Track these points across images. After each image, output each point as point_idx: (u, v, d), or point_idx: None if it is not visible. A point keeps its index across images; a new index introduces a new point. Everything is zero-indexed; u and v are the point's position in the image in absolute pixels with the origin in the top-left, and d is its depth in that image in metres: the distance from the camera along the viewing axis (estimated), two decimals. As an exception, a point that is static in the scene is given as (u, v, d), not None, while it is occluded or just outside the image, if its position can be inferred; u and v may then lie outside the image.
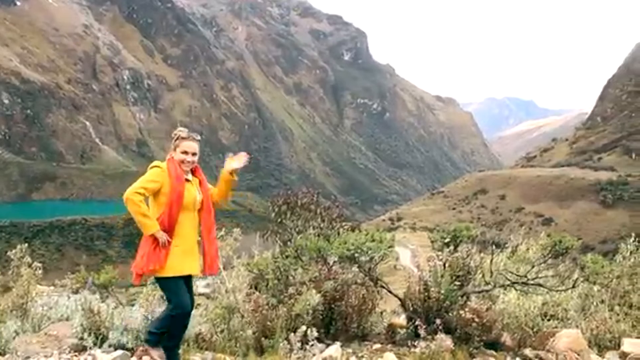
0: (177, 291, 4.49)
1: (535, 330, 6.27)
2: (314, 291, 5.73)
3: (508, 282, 6.33)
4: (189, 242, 4.58)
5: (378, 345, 5.70)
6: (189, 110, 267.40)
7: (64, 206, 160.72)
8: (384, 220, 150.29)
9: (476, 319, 5.52)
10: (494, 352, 5.71)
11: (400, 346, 5.71)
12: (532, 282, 6.28)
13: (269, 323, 5.50)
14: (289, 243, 7.26)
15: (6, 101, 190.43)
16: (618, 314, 6.90)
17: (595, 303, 7.08)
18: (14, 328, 5.93)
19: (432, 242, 6.85)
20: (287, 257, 6.73)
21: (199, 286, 6.93)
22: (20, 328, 6.10)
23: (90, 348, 5.39)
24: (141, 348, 5.34)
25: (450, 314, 5.69)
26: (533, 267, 6.35)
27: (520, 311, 6.39)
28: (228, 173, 4.87)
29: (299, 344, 3.71)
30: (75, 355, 5.31)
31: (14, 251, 7.05)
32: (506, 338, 6.09)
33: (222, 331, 5.69)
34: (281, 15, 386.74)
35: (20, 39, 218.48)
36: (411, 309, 5.96)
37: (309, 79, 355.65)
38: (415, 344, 5.14)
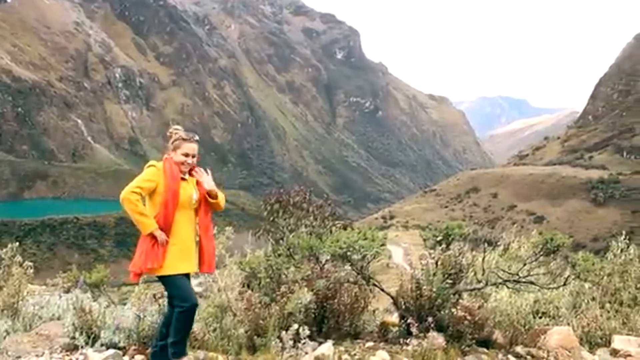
0: (181, 285, 4.50)
1: (527, 327, 6.30)
2: (305, 289, 5.73)
3: (500, 280, 6.34)
4: (186, 241, 4.57)
5: (370, 344, 5.70)
6: (181, 109, 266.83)
7: (55, 205, 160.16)
8: (376, 218, 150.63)
9: (468, 317, 5.53)
10: (485, 350, 5.72)
11: (393, 344, 5.72)
12: (523, 280, 6.30)
13: (261, 321, 5.49)
14: (281, 241, 7.26)
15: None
16: (609, 312, 6.94)
17: (586, 300, 7.12)
18: (4, 327, 5.90)
19: (424, 240, 6.85)
20: (279, 255, 6.73)
21: (192, 285, 6.92)
22: (11, 327, 6.07)
23: (81, 347, 5.37)
24: (133, 347, 5.32)
25: (442, 312, 5.71)
26: (525, 265, 6.37)
27: (512, 309, 6.41)
28: (213, 198, 4.78)
29: (291, 342, 3.71)
30: (67, 355, 5.29)
31: (5, 250, 7.01)
32: (498, 336, 6.11)
33: (214, 330, 5.68)
34: (274, 13, 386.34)
35: (11, 36, 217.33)
36: (403, 307, 5.97)
37: (301, 77, 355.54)
38: (408, 342, 5.14)
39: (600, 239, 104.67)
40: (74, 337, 5.48)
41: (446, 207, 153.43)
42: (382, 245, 5.95)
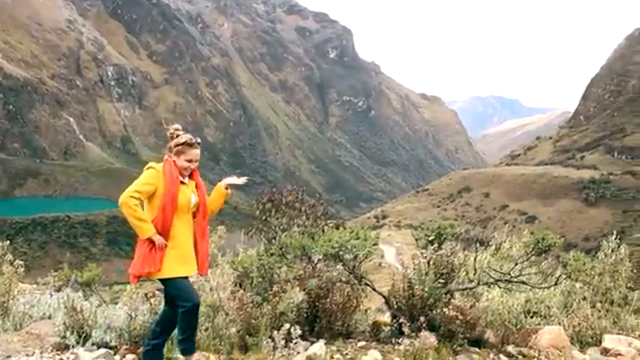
0: (182, 286, 4.48)
1: (518, 327, 6.32)
2: (298, 289, 5.73)
3: (492, 280, 6.37)
4: (184, 245, 4.55)
5: (362, 343, 5.71)
6: (174, 107, 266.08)
7: (47, 203, 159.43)
8: (369, 218, 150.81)
9: (460, 317, 5.55)
10: (477, 349, 5.74)
11: (385, 344, 5.73)
12: (515, 279, 6.33)
13: (253, 321, 5.49)
14: (273, 241, 7.26)
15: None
16: (599, 311, 6.98)
17: (577, 300, 7.16)
18: (-6, 327, 5.87)
19: (416, 239, 6.87)
20: (271, 255, 6.73)
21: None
22: (1, 327, 6.04)
23: (72, 347, 5.35)
24: (125, 346, 5.31)
25: (434, 312, 5.72)
26: (516, 264, 6.39)
27: (503, 308, 6.43)
28: (224, 187, 4.85)
29: (282, 342, 3.71)
30: (58, 354, 5.26)
31: (-5, 248, 6.97)
32: (489, 335, 6.13)
33: (206, 329, 5.67)
34: (267, 12, 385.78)
35: (3, 33, 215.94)
36: (395, 306, 5.98)
37: (294, 76, 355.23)
38: (400, 341, 5.16)
39: (592, 238, 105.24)
40: (64, 337, 5.46)
41: (438, 206, 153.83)
42: (374, 244, 5.96)
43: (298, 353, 4.98)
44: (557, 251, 6.51)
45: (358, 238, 5.88)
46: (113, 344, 5.38)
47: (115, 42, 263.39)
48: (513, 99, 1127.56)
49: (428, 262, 6.04)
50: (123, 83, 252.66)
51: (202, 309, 5.79)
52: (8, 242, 7.26)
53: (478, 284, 6.31)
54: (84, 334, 5.48)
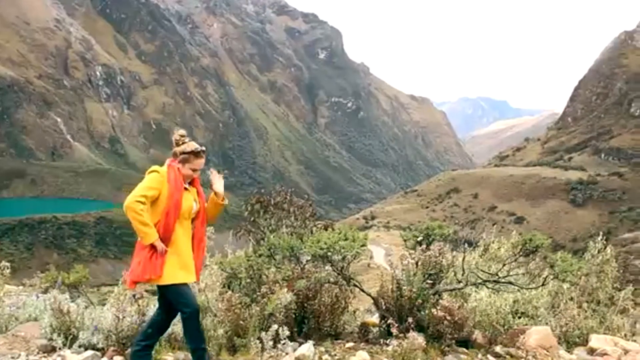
0: (182, 292, 4.45)
1: (506, 327, 6.35)
2: (286, 290, 5.72)
3: (480, 281, 6.39)
4: (185, 251, 4.52)
5: (351, 344, 5.72)
6: (163, 108, 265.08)
7: (34, 204, 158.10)
8: (358, 218, 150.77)
9: (448, 317, 5.56)
10: (465, 350, 5.77)
11: (373, 344, 5.74)
12: (503, 280, 6.35)
13: (241, 322, 5.48)
14: (262, 242, 7.25)
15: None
16: (586, 311, 7.03)
17: (564, 300, 7.20)
18: (-20, 329, 5.81)
19: (404, 240, 6.89)
20: (260, 256, 6.72)
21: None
22: (-14, 329, 5.98)
23: (59, 349, 5.31)
24: (112, 348, 5.28)
25: (422, 312, 5.74)
26: (504, 265, 6.42)
27: (491, 309, 6.46)
28: (221, 199, 4.81)
29: (270, 343, 3.70)
30: (44, 356, 5.23)
31: (-19, 250, 6.90)
32: (477, 335, 6.16)
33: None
34: (256, 12, 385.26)
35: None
36: (384, 307, 5.99)
37: (283, 77, 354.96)
38: (388, 342, 5.17)
39: (579, 239, 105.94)
40: (51, 339, 5.42)
41: (427, 207, 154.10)
42: (363, 245, 5.96)
43: (286, 354, 4.98)
44: (545, 252, 6.54)
45: (346, 239, 5.88)
46: (100, 345, 5.35)
47: (104, 42, 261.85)
48: (501, 100, 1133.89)
49: (416, 263, 6.05)
50: (111, 83, 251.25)
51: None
52: (-6, 243, 7.19)
53: (466, 284, 6.33)
54: (71, 336, 5.45)
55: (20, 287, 9.46)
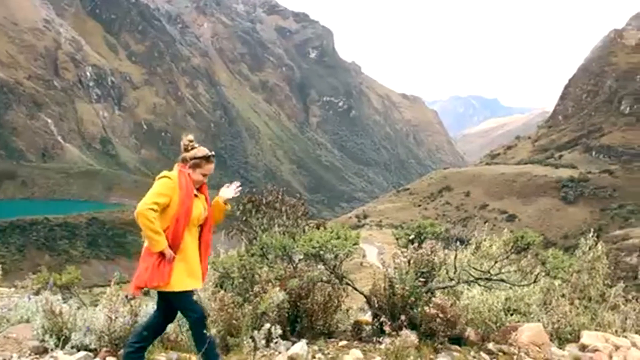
0: (189, 299, 4.44)
1: (498, 324, 6.37)
2: (279, 289, 5.72)
3: (472, 278, 6.41)
4: (193, 258, 4.49)
5: (344, 342, 5.72)
6: (154, 108, 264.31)
7: (25, 205, 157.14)
8: (350, 217, 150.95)
9: (440, 315, 5.58)
10: (458, 347, 5.78)
11: (366, 343, 5.75)
12: (495, 277, 6.37)
13: (234, 321, 5.48)
14: (254, 241, 7.24)
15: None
16: (578, 308, 7.07)
17: (556, 297, 7.23)
18: (-29, 331, 5.77)
19: (396, 239, 6.90)
20: (252, 255, 6.72)
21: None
22: (-22, 331, 5.94)
23: (51, 350, 5.29)
24: (105, 349, 5.26)
25: (415, 310, 5.75)
26: (496, 262, 6.44)
27: (483, 306, 6.48)
28: (222, 203, 4.79)
29: (263, 342, 3.70)
30: (36, 358, 5.20)
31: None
32: (470, 333, 6.17)
33: (187, 330, 5.64)
34: (247, 12, 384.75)
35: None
36: (376, 305, 6.00)
37: (275, 76, 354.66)
38: (381, 340, 5.17)
39: (571, 236, 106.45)
40: (43, 340, 5.39)
41: (419, 205, 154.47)
42: (355, 244, 5.97)
43: (279, 353, 4.98)
44: (537, 249, 6.57)
45: (338, 238, 5.88)
46: (93, 346, 5.33)
47: (94, 43, 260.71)
48: (492, 98, 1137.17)
49: (408, 261, 6.06)
50: (102, 84, 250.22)
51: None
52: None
53: (458, 282, 6.35)
54: (63, 337, 5.42)
55: (12, 289, 9.41)
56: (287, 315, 5.84)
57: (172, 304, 4.54)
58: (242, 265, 6.21)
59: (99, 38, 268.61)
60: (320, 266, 6.09)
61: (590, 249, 7.58)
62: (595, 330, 6.55)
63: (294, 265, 6.37)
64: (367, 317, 6.44)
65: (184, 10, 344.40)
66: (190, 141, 4.64)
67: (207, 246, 4.69)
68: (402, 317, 5.45)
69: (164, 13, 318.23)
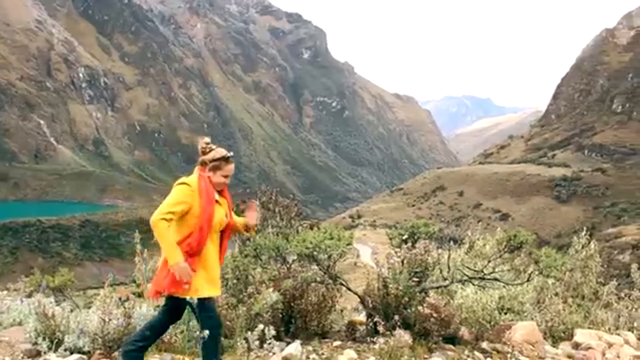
0: (207, 306, 4.36)
1: (492, 323, 6.38)
2: (272, 290, 5.72)
3: (465, 277, 6.42)
4: (213, 265, 4.41)
5: (338, 343, 5.72)
6: (147, 109, 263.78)
7: (17, 207, 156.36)
8: (344, 217, 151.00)
9: (434, 314, 5.59)
10: (452, 346, 5.79)
11: (360, 343, 5.75)
12: (488, 276, 6.38)
13: (228, 323, 5.47)
14: (248, 242, 7.23)
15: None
16: (571, 306, 7.09)
17: (549, 296, 7.25)
18: (-37, 334, 5.74)
19: (390, 239, 6.90)
20: (246, 256, 6.70)
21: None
22: (-30, 334, 5.91)
23: (44, 353, 5.26)
24: (98, 351, 5.24)
25: (408, 310, 5.75)
26: (489, 262, 6.45)
27: (477, 305, 6.49)
28: (245, 229, 4.78)
29: (257, 343, 3.70)
30: (29, 360, 5.18)
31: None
32: (464, 332, 6.19)
33: (181, 332, 5.63)
34: (240, 13, 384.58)
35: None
36: (370, 305, 6.00)
37: (268, 77, 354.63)
38: (375, 340, 5.18)
39: (564, 235, 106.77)
40: (36, 343, 5.37)
41: (413, 205, 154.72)
42: (349, 244, 5.97)
43: (274, 354, 4.98)
44: (530, 248, 6.59)
45: (332, 238, 5.88)
46: (86, 349, 5.30)
47: (87, 43, 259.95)
48: (485, 98, 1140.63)
49: (402, 261, 6.06)
50: (95, 85, 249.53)
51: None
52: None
53: (452, 281, 6.36)
54: (56, 340, 5.39)
55: (5, 292, 9.36)
56: (281, 316, 5.83)
57: (182, 306, 4.47)
58: (235, 266, 6.20)
59: (92, 39, 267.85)
60: (314, 267, 6.09)
61: (583, 247, 7.60)
62: (589, 328, 6.58)
63: (288, 266, 6.37)
64: (361, 317, 6.45)
65: (177, 11, 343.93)
66: (207, 143, 4.51)
67: (224, 251, 4.63)
68: (396, 317, 5.45)
69: (157, 14, 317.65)
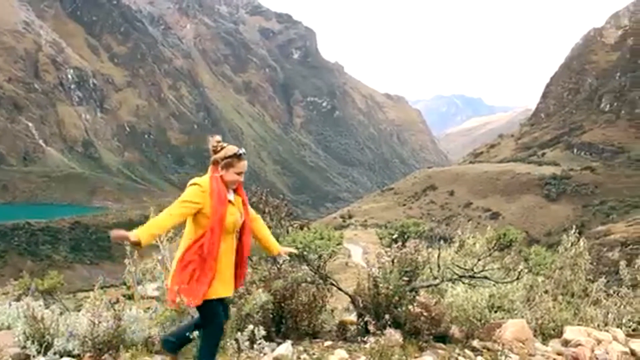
0: (211, 307, 4.34)
1: (482, 322, 6.40)
2: (261, 290, 5.71)
3: (455, 276, 6.44)
4: (226, 268, 4.35)
5: (329, 343, 5.73)
6: (137, 110, 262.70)
7: (6, 210, 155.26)
8: (335, 218, 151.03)
9: (425, 313, 5.60)
10: (442, 345, 5.81)
11: (351, 343, 5.75)
12: (478, 275, 6.41)
13: (219, 324, 5.45)
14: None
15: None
16: (561, 303, 7.14)
17: (539, 293, 7.29)
18: (-49, 338, 5.69)
19: (380, 238, 6.92)
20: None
21: (149, 289, 6.82)
22: (-42, 338, 5.86)
23: (33, 357, 5.22)
24: (88, 354, 5.21)
25: (399, 309, 5.76)
26: (479, 260, 6.48)
27: (467, 304, 6.51)
28: (277, 252, 4.88)
29: (247, 344, 3.69)
30: (18, 364, 5.15)
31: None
32: (454, 331, 6.21)
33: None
34: (230, 13, 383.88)
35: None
36: (361, 305, 6.01)
37: (258, 77, 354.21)
38: (366, 339, 5.19)
39: (554, 233, 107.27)
40: (25, 347, 5.33)
41: (404, 205, 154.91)
42: (339, 244, 5.97)
43: (264, 354, 4.97)
44: (521, 246, 6.63)
45: (322, 238, 5.89)
46: (76, 352, 5.27)
47: (75, 45, 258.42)
48: (475, 97, 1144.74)
49: (392, 261, 6.08)
50: (84, 86, 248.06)
51: (167, 313, 5.73)
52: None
53: (442, 280, 6.38)
54: (46, 343, 5.36)
55: (-7, 295, 9.30)
56: (271, 316, 5.83)
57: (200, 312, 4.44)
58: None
59: (81, 40, 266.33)
60: (304, 267, 6.09)
61: (572, 245, 7.66)
62: (578, 325, 6.62)
63: (278, 266, 6.36)
64: (352, 317, 6.45)
65: (166, 11, 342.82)
66: (218, 142, 4.47)
67: (246, 250, 4.58)
68: (387, 316, 5.46)
69: (146, 15, 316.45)
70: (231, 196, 4.41)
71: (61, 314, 6.07)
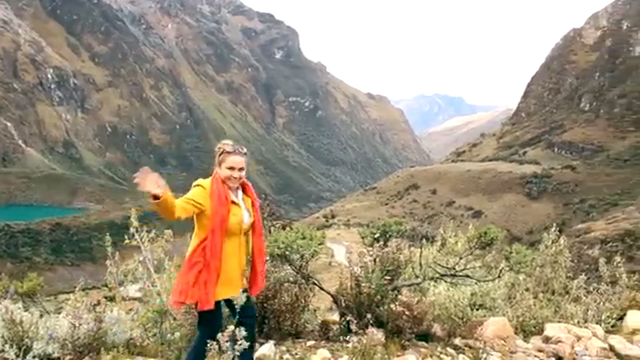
0: (215, 312, 4.32)
1: (464, 320, 6.44)
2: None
3: (437, 275, 6.48)
4: (231, 268, 4.29)
5: (312, 342, 5.73)
6: (118, 110, 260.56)
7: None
8: (318, 217, 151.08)
9: (407, 312, 5.62)
10: (425, 343, 5.83)
11: (334, 342, 5.76)
12: (460, 273, 6.45)
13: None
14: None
15: None
16: (541, 301, 7.21)
17: (520, 291, 7.35)
18: None
19: (362, 238, 6.93)
20: (219, 257, 6.65)
21: (130, 290, 6.77)
22: None
23: (12, 360, 5.17)
24: (68, 357, 5.17)
25: (381, 308, 5.78)
26: (461, 259, 6.52)
27: (449, 302, 6.54)
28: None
29: (227, 344, 3.68)
30: (-4, 369, 5.09)
31: None
32: (437, 329, 6.24)
33: (154, 335, 5.58)
34: (212, 13, 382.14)
35: None
36: (343, 305, 6.02)
37: (240, 77, 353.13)
38: (348, 339, 5.19)
39: (535, 231, 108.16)
40: (3, 350, 5.26)
41: (387, 204, 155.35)
42: (320, 244, 5.97)
43: (247, 355, 4.96)
44: (502, 245, 6.67)
45: (304, 238, 5.88)
46: (56, 355, 5.23)
47: (55, 44, 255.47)
48: (457, 97, 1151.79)
49: (374, 260, 6.09)
50: (64, 86, 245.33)
51: (149, 314, 5.70)
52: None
53: (424, 279, 6.41)
54: (25, 347, 5.30)
55: (-29, 298, 9.17)
56: (254, 316, 5.82)
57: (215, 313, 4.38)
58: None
59: (61, 39, 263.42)
60: (287, 267, 6.08)
61: (553, 243, 7.73)
62: (559, 322, 6.69)
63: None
64: (335, 316, 6.46)
65: (148, 10, 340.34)
66: (224, 143, 4.44)
67: (260, 252, 4.54)
68: (369, 316, 5.47)
69: (127, 14, 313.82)
70: (236, 197, 4.38)
71: (41, 316, 6.00)
